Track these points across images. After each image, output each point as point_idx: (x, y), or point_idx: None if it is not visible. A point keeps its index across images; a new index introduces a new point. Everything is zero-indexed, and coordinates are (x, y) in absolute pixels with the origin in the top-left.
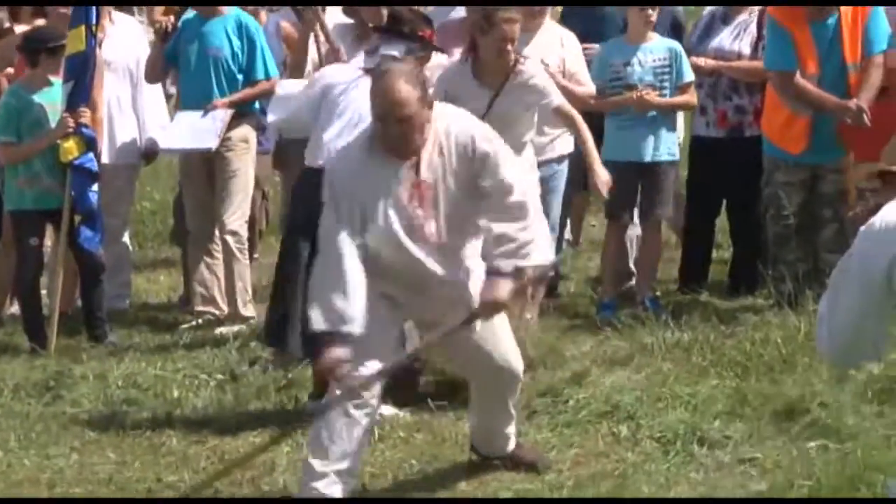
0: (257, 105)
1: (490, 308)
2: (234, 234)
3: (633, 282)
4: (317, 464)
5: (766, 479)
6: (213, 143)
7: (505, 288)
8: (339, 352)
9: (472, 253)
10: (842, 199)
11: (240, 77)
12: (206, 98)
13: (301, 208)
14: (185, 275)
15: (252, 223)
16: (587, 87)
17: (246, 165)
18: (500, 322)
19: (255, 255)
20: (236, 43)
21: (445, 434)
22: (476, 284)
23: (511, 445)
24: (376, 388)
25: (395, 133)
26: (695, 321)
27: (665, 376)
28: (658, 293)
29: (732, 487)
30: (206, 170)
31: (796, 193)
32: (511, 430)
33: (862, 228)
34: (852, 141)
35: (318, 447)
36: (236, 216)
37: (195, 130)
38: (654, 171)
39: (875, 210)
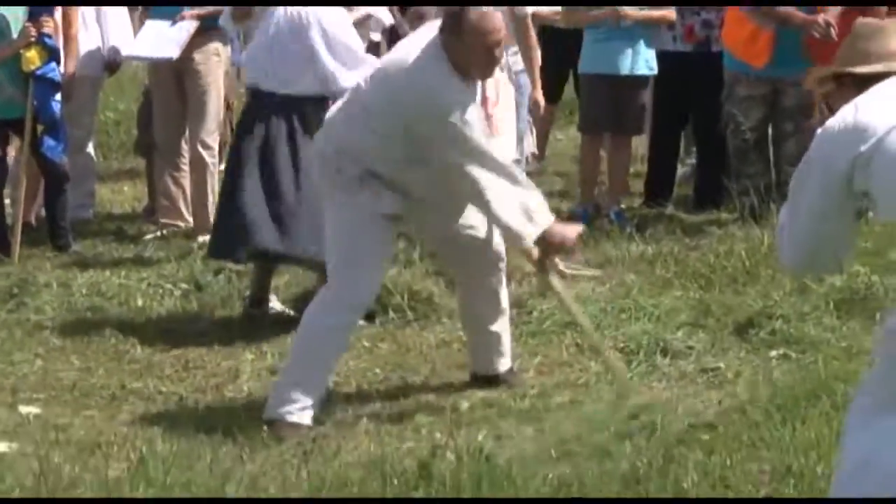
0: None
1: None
2: (207, 146)
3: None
4: (298, 372)
5: (727, 388)
6: (174, 53)
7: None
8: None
9: None
10: (803, 113)
11: None
12: (175, 9)
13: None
14: (150, 186)
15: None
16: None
17: (218, 79)
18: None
19: (222, 167)
20: None
21: (409, 344)
22: None
23: (507, 363)
24: (366, 310)
25: (496, 58)
26: (659, 234)
27: (629, 288)
28: (623, 206)
29: (694, 396)
30: (177, 82)
31: (757, 108)
32: (507, 343)
33: (819, 131)
34: (819, 54)
35: (303, 354)
36: (210, 129)
37: (160, 40)
38: (630, 85)
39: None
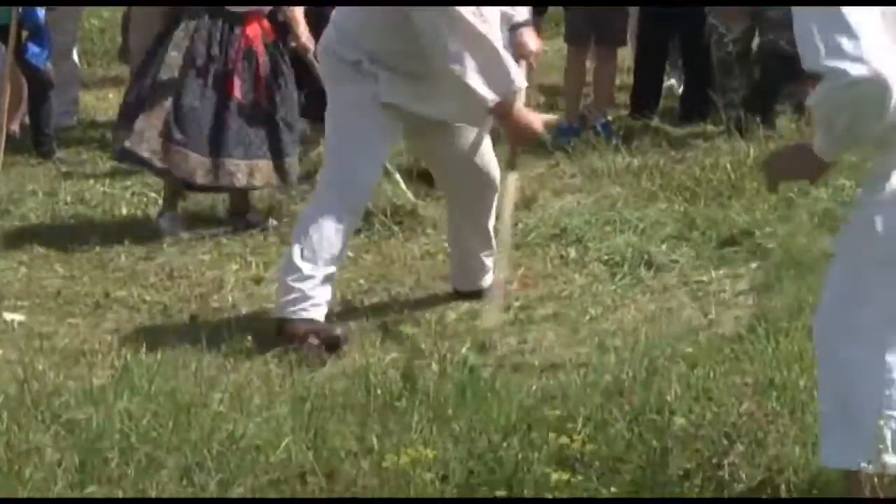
0: None
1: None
2: None
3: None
4: (306, 267)
5: (710, 301)
6: None
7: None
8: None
9: None
10: (787, 25)
11: None
12: None
13: None
14: None
15: None
16: None
17: None
18: (483, 133)
19: None
20: None
21: (394, 255)
22: None
23: (488, 279)
24: (369, 197)
25: None
26: (645, 146)
27: (614, 200)
28: (609, 118)
29: (678, 310)
30: None
31: (741, 19)
32: (489, 261)
33: None
34: None
35: (307, 249)
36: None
37: None
38: None
39: None
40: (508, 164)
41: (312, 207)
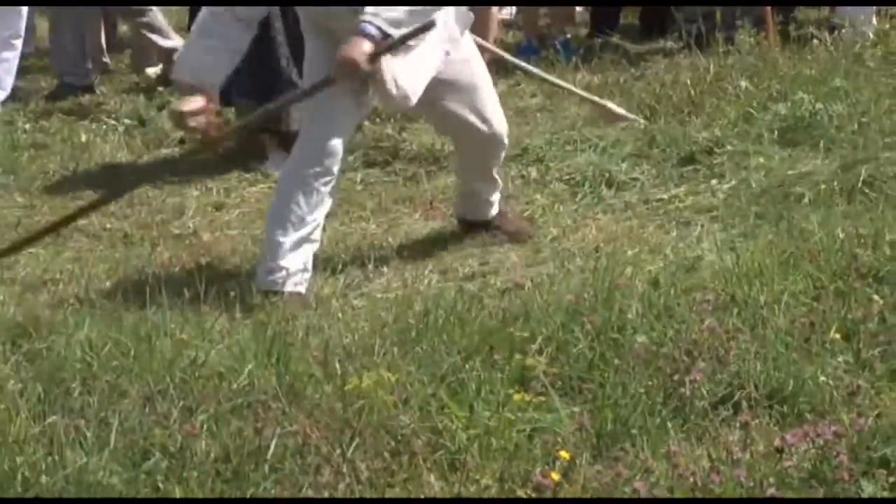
0: None
1: (345, 67)
2: None
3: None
4: (278, 234)
5: (671, 218)
6: None
7: (362, 48)
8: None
9: None
10: None
11: None
12: None
13: None
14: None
15: None
16: None
17: None
18: (484, 84)
19: None
20: None
21: (357, 178)
22: None
23: (493, 211)
24: (339, 157)
25: None
26: (605, 64)
27: (574, 120)
28: (569, 36)
29: (640, 228)
30: None
31: None
32: (495, 197)
33: None
34: None
35: (276, 218)
36: None
37: None
38: None
39: None
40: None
41: (288, 166)
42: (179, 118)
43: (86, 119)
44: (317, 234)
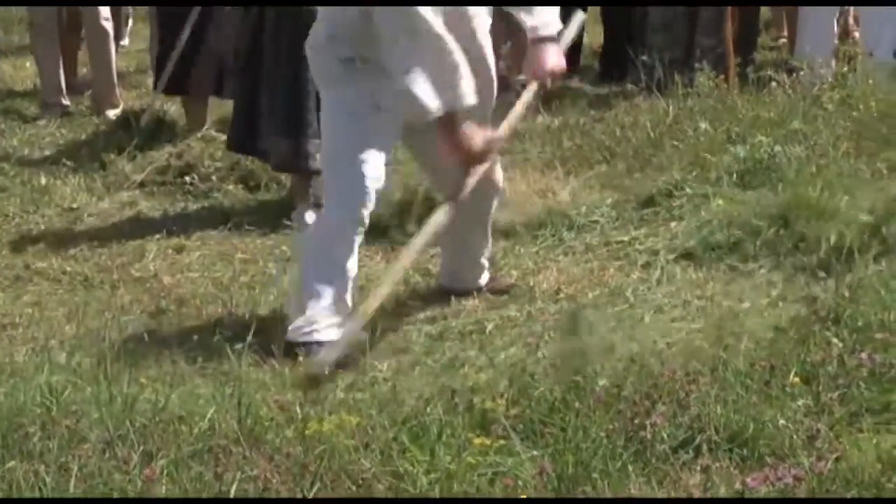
0: None
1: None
2: (108, 20)
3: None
4: (314, 288)
5: (631, 260)
6: None
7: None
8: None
9: None
10: None
11: None
12: None
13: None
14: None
15: (117, 10)
16: None
17: None
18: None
19: (123, 42)
20: None
21: None
22: None
23: (484, 278)
24: (371, 205)
25: None
26: (565, 107)
27: (534, 161)
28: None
29: (599, 269)
30: None
31: None
32: (485, 259)
33: None
34: None
35: (314, 268)
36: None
37: None
38: None
39: None
40: (449, 193)
41: (316, 217)
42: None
43: (46, 161)
44: (350, 284)
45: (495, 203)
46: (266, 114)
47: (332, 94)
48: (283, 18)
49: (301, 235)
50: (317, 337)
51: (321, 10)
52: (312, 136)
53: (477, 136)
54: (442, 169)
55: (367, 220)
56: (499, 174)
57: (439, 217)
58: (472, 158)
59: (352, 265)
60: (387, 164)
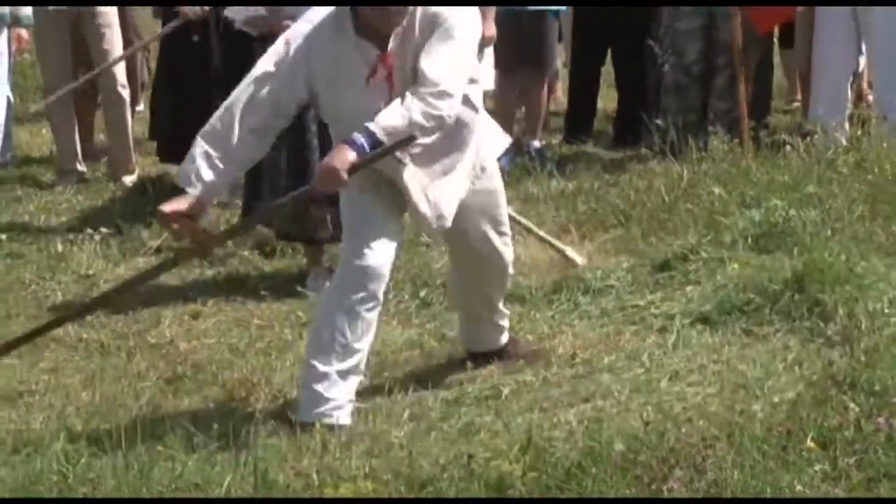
0: None
1: (325, 176)
2: (124, 87)
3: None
4: (320, 365)
5: (647, 324)
6: None
7: (345, 158)
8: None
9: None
10: (735, 47)
11: None
12: None
13: None
14: (81, 126)
15: (133, 76)
16: None
17: (115, 16)
18: (500, 207)
19: (139, 108)
20: None
21: None
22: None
23: (504, 338)
24: (384, 281)
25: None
26: (580, 171)
27: (549, 227)
28: (543, 143)
29: (615, 334)
30: (73, 25)
31: (695, 41)
32: (504, 321)
33: None
34: None
35: (322, 344)
36: (121, 68)
37: None
38: (537, 19)
39: None
40: None
41: (329, 293)
42: (161, 217)
43: (62, 227)
44: (363, 364)
45: (505, 284)
46: (267, 179)
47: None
48: None
49: (318, 306)
50: (327, 420)
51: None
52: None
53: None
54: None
55: (381, 296)
56: (510, 256)
57: None
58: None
59: (366, 344)
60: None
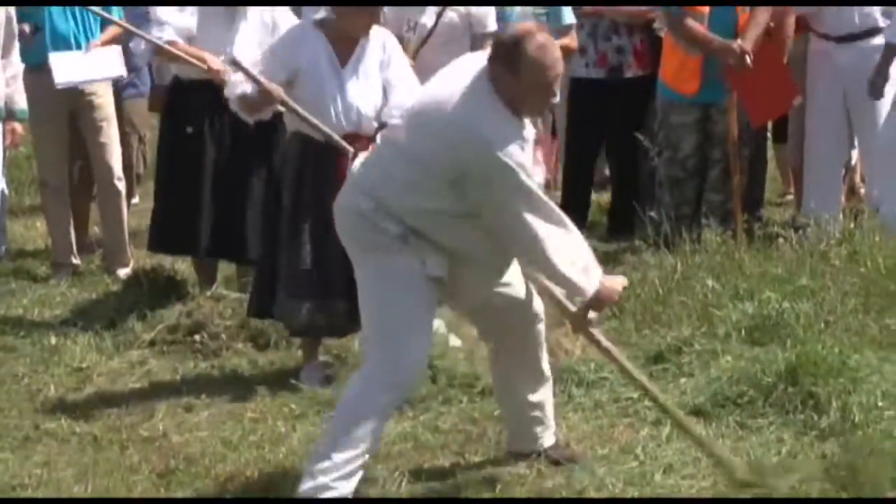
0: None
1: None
2: (121, 179)
3: None
4: (337, 456)
5: (640, 416)
6: (122, 71)
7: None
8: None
9: None
10: (729, 140)
11: (97, 20)
12: (75, 40)
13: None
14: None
15: (129, 168)
16: None
17: (113, 109)
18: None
19: (134, 201)
20: None
21: None
22: None
23: (549, 439)
24: (417, 380)
25: (554, 94)
26: None
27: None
28: None
29: (608, 427)
30: (69, 118)
31: (691, 135)
32: (549, 417)
33: None
34: (735, 81)
35: (343, 437)
36: (118, 161)
37: (93, 64)
38: None
39: None
40: (581, 324)
41: (357, 388)
42: None
43: (56, 320)
44: (368, 456)
45: (543, 342)
46: (284, 276)
47: (378, 263)
48: (304, 179)
49: (340, 398)
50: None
51: (372, 179)
52: (336, 295)
53: (615, 283)
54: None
55: (408, 392)
56: (540, 309)
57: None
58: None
59: (375, 444)
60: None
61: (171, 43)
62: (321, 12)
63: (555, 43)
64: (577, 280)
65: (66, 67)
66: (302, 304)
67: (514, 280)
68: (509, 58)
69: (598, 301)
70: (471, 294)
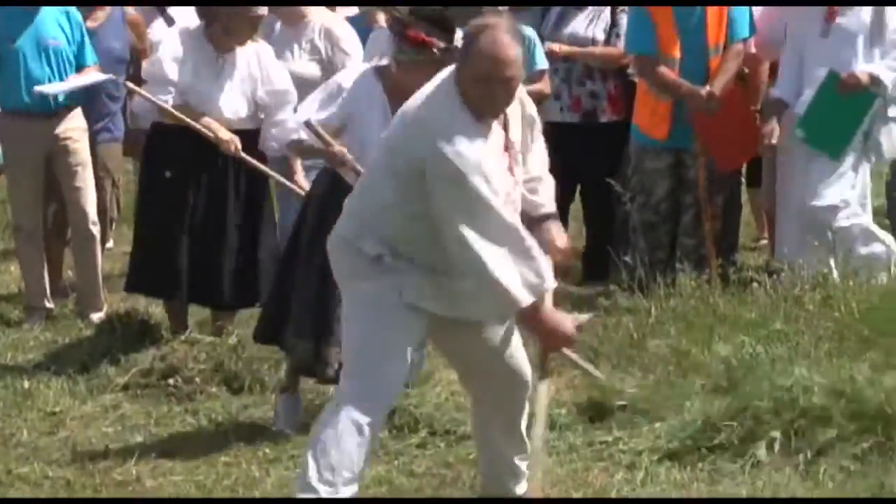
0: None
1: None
2: (95, 223)
3: None
4: (323, 490)
5: (615, 460)
6: (104, 76)
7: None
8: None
9: None
10: (699, 185)
11: (71, 65)
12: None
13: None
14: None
15: (103, 212)
16: None
17: (88, 154)
18: (512, 327)
19: (109, 245)
20: (69, 32)
21: None
22: None
23: (522, 487)
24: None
25: (494, 95)
26: None
27: None
28: None
29: (583, 470)
30: (44, 163)
31: (664, 179)
32: (523, 465)
33: None
34: (700, 126)
35: (326, 469)
36: (93, 205)
37: (77, 81)
38: None
39: None
40: (541, 371)
41: (333, 416)
42: None
43: (29, 365)
44: (355, 486)
45: (526, 407)
46: (294, 317)
47: (357, 290)
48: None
49: (318, 420)
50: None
51: (348, 201)
52: (335, 343)
53: (566, 320)
54: (476, 364)
55: (385, 419)
56: (528, 376)
57: (543, 396)
58: (563, 342)
59: (362, 469)
60: (411, 361)
61: (179, 108)
62: (384, 60)
63: (513, 42)
64: (511, 289)
65: (51, 88)
66: (307, 344)
67: (516, 352)
68: (464, 48)
69: (543, 333)
70: (460, 338)
